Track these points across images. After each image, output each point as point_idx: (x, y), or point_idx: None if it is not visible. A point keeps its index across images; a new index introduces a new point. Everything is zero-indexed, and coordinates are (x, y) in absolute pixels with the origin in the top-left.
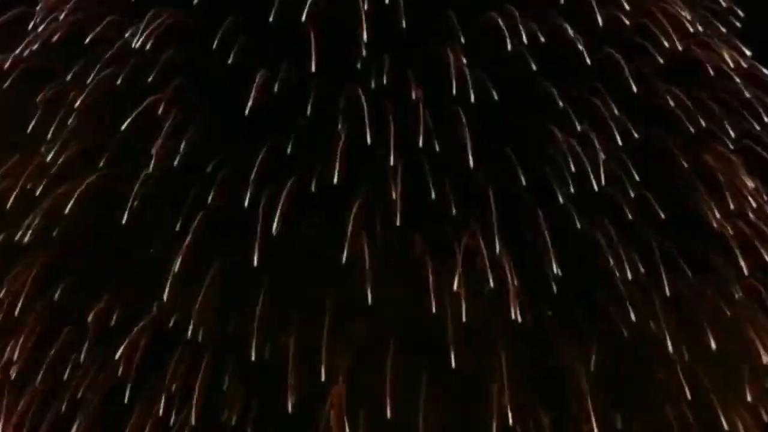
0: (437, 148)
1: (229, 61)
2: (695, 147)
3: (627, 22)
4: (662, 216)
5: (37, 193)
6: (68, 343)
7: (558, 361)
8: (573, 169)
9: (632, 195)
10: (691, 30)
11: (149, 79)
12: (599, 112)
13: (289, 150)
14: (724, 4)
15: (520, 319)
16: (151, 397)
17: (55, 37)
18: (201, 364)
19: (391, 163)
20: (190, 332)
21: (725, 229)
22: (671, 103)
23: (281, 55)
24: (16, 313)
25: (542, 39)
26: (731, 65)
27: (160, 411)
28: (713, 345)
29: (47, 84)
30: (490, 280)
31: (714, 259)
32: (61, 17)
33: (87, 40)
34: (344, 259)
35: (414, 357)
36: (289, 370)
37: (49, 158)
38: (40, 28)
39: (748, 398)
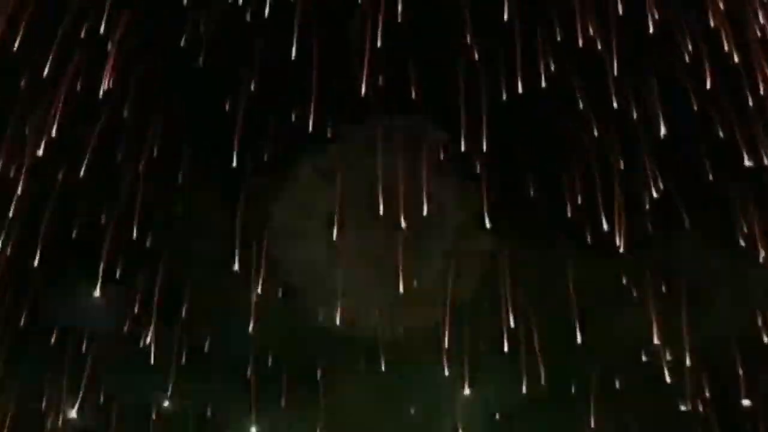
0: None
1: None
2: (726, 152)
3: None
4: (687, 224)
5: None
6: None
7: (569, 383)
8: (592, 172)
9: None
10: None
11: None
12: (622, 112)
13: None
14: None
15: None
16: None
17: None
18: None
19: (396, 168)
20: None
21: (755, 243)
22: (697, 105)
23: (266, 48)
24: None
25: (559, 36)
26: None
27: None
28: (740, 367)
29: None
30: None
31: (742, 275)
32: None
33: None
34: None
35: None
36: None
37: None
38: None
39: None
